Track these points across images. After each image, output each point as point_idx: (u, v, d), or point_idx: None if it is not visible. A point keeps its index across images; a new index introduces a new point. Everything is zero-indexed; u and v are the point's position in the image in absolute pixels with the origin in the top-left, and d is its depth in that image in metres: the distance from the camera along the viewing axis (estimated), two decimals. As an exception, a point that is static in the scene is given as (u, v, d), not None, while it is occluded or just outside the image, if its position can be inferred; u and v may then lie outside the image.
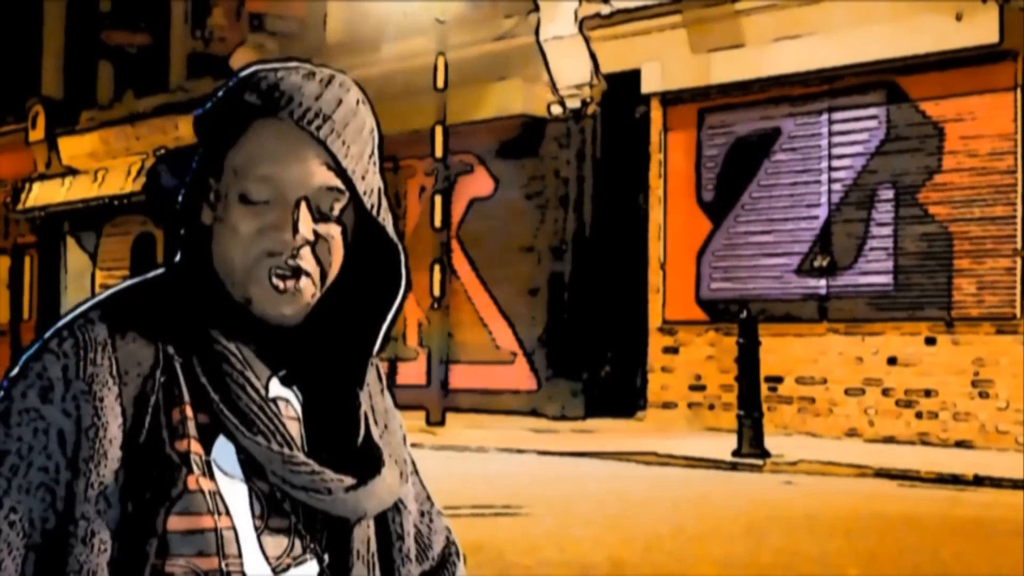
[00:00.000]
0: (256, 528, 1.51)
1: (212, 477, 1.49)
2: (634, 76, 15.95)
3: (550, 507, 9.13)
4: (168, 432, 1.48)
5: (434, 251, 16.98)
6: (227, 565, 1.47)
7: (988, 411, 13.06)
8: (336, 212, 1.56)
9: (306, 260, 1.53)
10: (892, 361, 13.75)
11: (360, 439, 1.59)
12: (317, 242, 1.54)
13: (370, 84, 1.79)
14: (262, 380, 1.55)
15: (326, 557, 1.55)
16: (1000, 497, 9.94)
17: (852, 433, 13.92)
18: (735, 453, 12.01)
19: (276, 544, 1.52)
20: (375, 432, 1.61)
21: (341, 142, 1.53)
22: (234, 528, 1.49)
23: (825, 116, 14.54)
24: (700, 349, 15.36)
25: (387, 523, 1.63)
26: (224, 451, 1.51)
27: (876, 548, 7.73)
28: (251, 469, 1.51)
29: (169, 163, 21.57)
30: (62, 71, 25.59)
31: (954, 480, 10.74)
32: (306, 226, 1.52)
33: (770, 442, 12.14)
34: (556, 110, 16.95)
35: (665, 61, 15.64)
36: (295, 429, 1.56)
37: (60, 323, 1.55)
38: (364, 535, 1.58)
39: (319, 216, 1.54)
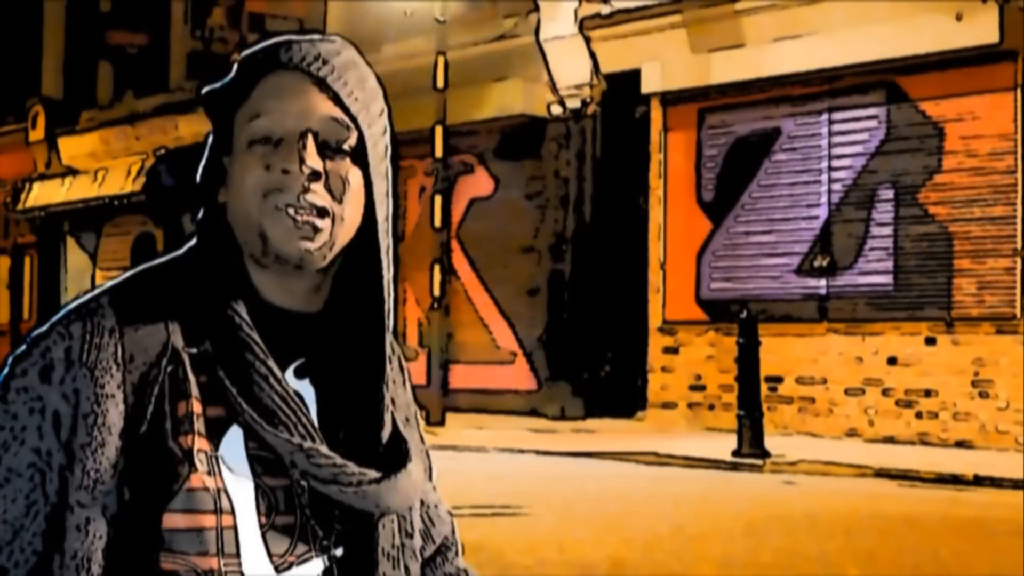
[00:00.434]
0: (261, 526, 1.48)
1: (219, 474, 1.47)
2: (634, 76, 15.95)
3: (550, 507, 9.13)
4: (172, 425, 1.45)
5: (434, 251, 16.98)
6: (226, 566, 1.45)
7: (988, 411, 13.06)
8: (347, 147, 1.52)
9: (320, 196, 1.50)
10: (892, 361, 13.75)
11: (386, 432, 1.56)
12: (329, 178, 1.51)
13: (370, 84, 1.78)
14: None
15: (338, 552, 1.53)
16: (1000, 497, 9.93)
17: (852, 433, 13.92)
18: (735, 453, 12.01)
19: (280, 542, 1.49)
20: (400, 424, 1.59)
21: (343, 82, 1.53)
22: (235, 527, 1.46)
23: (825, 116, 14.54)
24: (700, 349, 15.36)
25: (403, 519, 1.61)
26: (232, 446, 1.48)
27: (876, 548, 7.73)
28: (261, 465, 1.49)
29: (169, 163, 21.57)
30: (62, 71, 25.59)
31: (954, 480, 10.74)
32: (313, 158, 1.49)
33: (770, 442, 12.14)
34: (556, 110, 16.95)
35: (665, 61, 15.64)
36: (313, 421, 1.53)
37: (71, 305, 1.53)
38: (390, 530, 1.56)
39: (329, 152, 1.51)
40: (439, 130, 16.77)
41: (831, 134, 14.49)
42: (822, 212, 14.53)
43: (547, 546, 7.58)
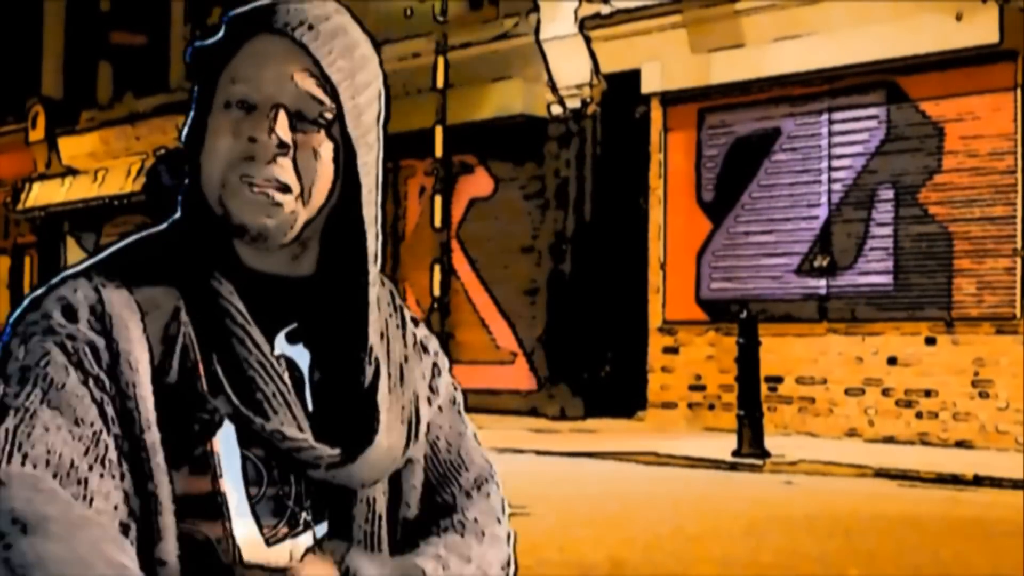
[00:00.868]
0: (252, 497, 1.45)
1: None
2: (634, 76, 15.95)
3: (550, 507, 9.13)
4: (205, 379, 1.42)
5: (434, 251, 16.98)
6: (224, 533, 1.42)
7: (988, 411, 13.05)
8: (323, 119, 1.48)
9: (284, 170, 1.46)
10: (892, 361, 13.75)
11: (361, 399, 1.51)
12: (298, 151, 1.47)
13: (370, 84, 1.78)
14: (268, 337, 1.48)
15: (325, 526, 1.49)
16: (1000, 497, 9.93)
17: (852, 433, 13.92)
18: (735, 453, 12.01)
19: (270, 515, 1.46)
20: (382, 389, 1.53)
21: (327, 51, 1.48)
22: (225, 494, 1.43)
23: (825, 116, 14.54)
24: (700, 349, 15.36)
25: (397, 480, 1.57)
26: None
27: (876, 548, 7.73)
28: (248, 435, 1.45)
29: (169, 163, 21.58)
30: (62, 71, 25.58)
31: (954, 480, 10.74)
32: (283, 130, 1.45)
33: (770, 442, 12.14)
34: (556, 110, 16.95)
35: (665, 61, 15.64)
36: (299, 390, 1.49)
37: (62, 275, 1.47)
38: (365, 503, 1.52)
39: (302, 125, 1.47)
40: (439, 130, 16.78)
41: (831, 134, 14.49)
42: (822, 212, 14.53)
43: (547, 546, 7.57)
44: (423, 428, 1.60)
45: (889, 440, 13.50)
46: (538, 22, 16.98)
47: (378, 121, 1.54)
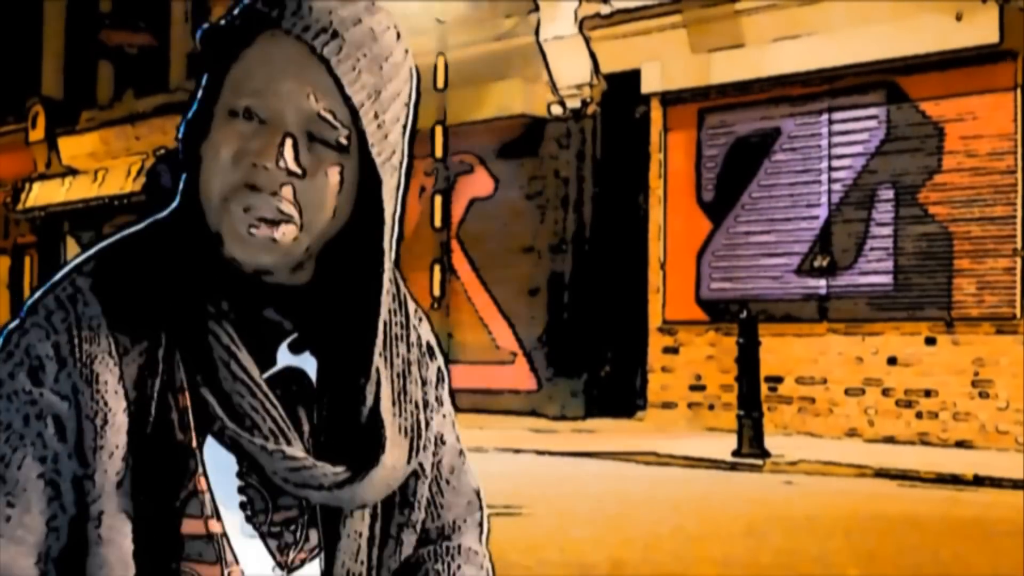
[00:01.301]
0: (259, 526, 1.37)
1: (206, 474, 1.34)
2: (634, 76, 15.94)
3: (550, 507, 9.13)
4: (177, 418, 1.32)
5: (434, 251, 16.98)
6: (229, 572, 1.34)
7: (988, 411, 13.05)
8: (336, 143, 1.34)
9: (288, 202, 1.32)
10: (892, 361, 13.75)
11: (365, 416, 1.41)
12: (307, 178, 1.33)
13: (370, 84, 1.77)
14: (270, 348, 1.38)
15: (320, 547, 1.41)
16: (1000, 497, 9.93)
17: (852, 433, 13.92)
18: (735, 453, 12.01)
19: (281, 543, 1.38)
20: (385, 401, 1.43)
21: (350, 66, 1.31)
22: (225, 532, 1.34)
23: (825, 116, 14.54)
24: (700, 349, 15.36)
25: (403, 489, 1.48)
26: (213, 443, 1.35)
27: (876, 548, 7.73)
28: (249, 462, 1.35)
29: (169, 163, 21.49)
30: (62, 71, 25.58)
31: (954, 480, 10.74)
32: (291, 158, 1.32)
33: (770, 442, 12.14)
34: (556, 110, 16.95)
35: (665, 61, 15.64)
36: (298, 408, 1.39)
37: (43, 291, 1.35)
38: (357, 523, 1.43)
39: (314, 147, 1.34)
40: (439, 130, 16.78)
41: (831, 134, 14.49)
42: (822, 212, 14.53)
43: (547, 546, 7.57)
44: (430, 438, 1.51)
45: (889, 440, 13.50)
46: (538, 22, 16.98)
47: (404, 132, 1.40)
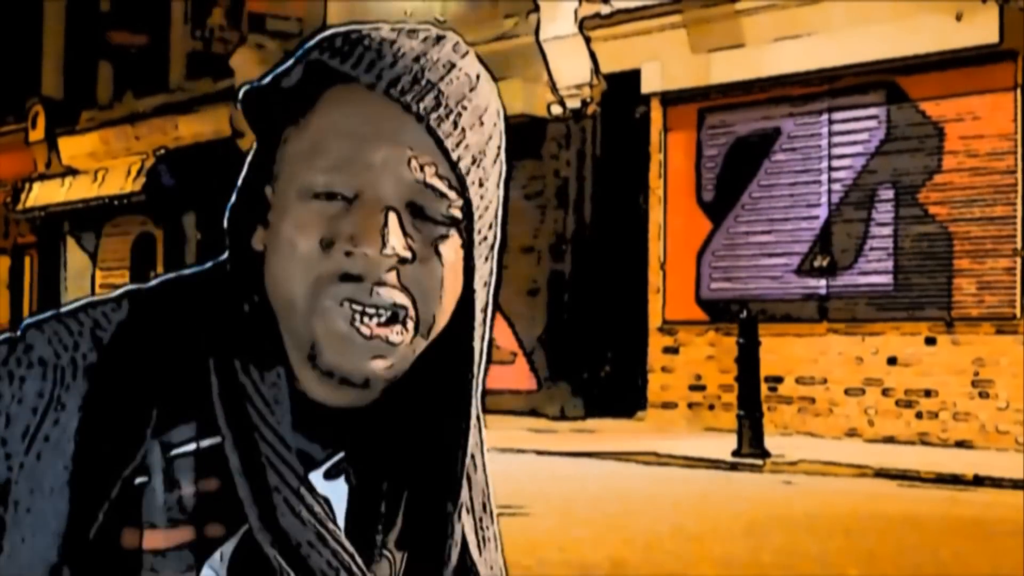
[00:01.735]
0: None
1: None
2: (634, 76, 15.94)
3: (550, 507, 9.13)
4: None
5: (434, 251, 16.98)
6: None
7: (988, 411, 13.05)
8: (446, 217, 1.09)
9: (398, 291, 1.06)
10: (892, 361, 13.75)
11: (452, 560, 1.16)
12: (417, 261, 1.07)
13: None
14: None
15: None
16: (1000, 497, 9.93)
17: (852, 433, 13.92)
18: (735, 453, 12.01)
19: None
20: (473, 548, 1.22)
21: (452, 123, 1.07)
22: None
23: (825, 116, 14.54)
24: (700, 349, 15.35)
25: None
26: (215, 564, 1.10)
27: (876, 548, 7.73)
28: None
29: (169, 163, 21.57)
30: (62, 71, 25.60)
31: (954, 480, 10.74)
32: (398, 238, 1.06)
33: (770, 442, 12.14)
34: (556, 110, 16.95)
35: (665, 61, 15.64)
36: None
37: (39, 346, 1.08)
38: None
39: (420, 224, 1.08)
40: (439, 130, 16.78)
41: (831, 134, 14.49)
42: (822, 212, 14.53)
43: (547, 546, 7.57)
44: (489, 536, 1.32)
45: (889, 440, 13.49)
46: (538, 22, 16.98)
47: (498, 207, 1.15)
